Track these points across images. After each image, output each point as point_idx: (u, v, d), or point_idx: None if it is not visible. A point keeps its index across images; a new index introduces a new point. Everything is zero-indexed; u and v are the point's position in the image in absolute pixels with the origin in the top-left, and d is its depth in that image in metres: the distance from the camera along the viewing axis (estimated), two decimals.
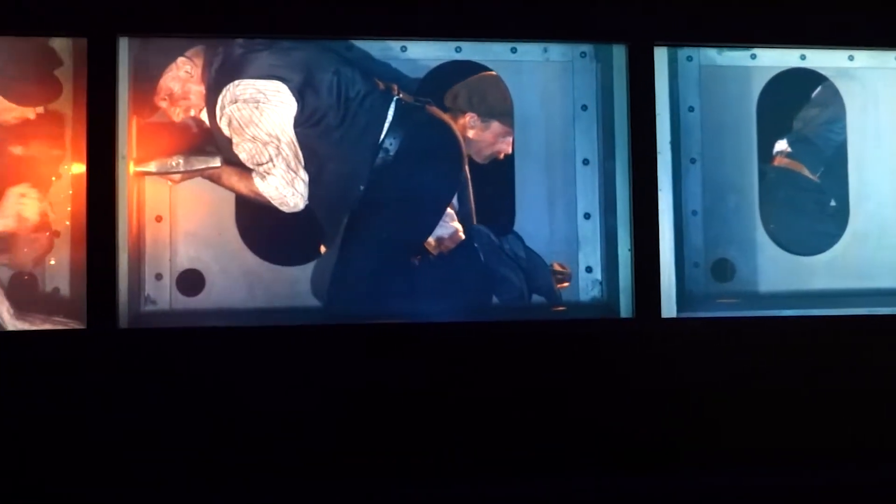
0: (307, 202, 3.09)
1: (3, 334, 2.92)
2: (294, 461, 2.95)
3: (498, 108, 3.23)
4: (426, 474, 2.99)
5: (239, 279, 3.08)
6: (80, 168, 2.98)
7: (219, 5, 3.02)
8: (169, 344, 2.96)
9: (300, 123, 3.06)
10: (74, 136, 2.99)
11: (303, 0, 3.04)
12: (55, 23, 2.97)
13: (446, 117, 3.17)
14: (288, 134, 3.06)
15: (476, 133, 3.23)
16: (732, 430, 3.06)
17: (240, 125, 3.04)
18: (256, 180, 3.06)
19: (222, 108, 3.05)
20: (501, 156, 3.25)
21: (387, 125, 3.09)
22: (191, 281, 3.07)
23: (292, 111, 3.05)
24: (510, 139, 3.23)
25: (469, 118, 3.22)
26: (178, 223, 3.09)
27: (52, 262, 3.01)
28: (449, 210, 3.18)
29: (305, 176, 3.08)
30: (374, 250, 3.10)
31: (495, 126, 3.24)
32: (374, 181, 3.09)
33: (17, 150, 3.01)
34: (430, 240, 3.18)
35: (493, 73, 3.24)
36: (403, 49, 3.19)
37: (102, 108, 2.94)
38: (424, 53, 3.19)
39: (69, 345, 2.93)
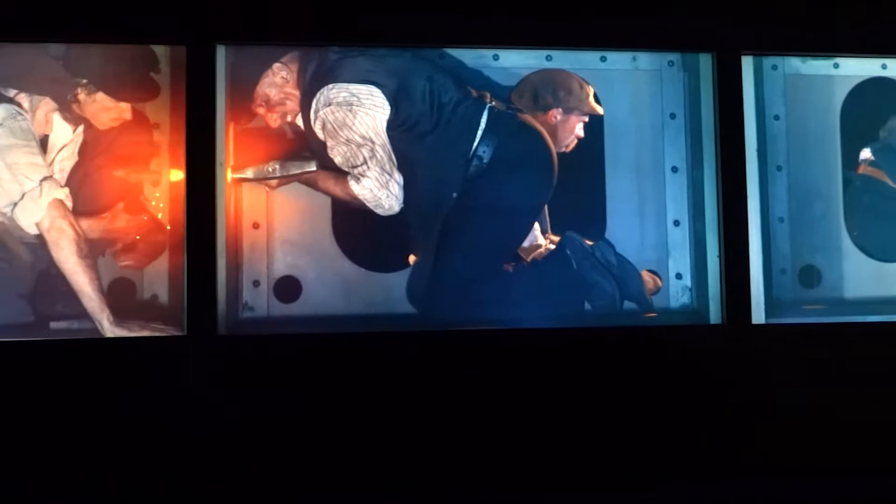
0: (402, 205, 3.09)
1: (104, 341, 2.92)
2: (392, 467, 2.96)
3: (565, 95, 3.24)
4: (525, 483, 3.00)
5: (335, 286, 3.09)
6: (178, 175, 2.99)
7: (315, 13, 3.04)
8: (267, 350, 2.96)
9: (394, 128, 3.07)
10: (172, 143, 3.00)
11: (397, 10, 3.07)
12: (154, 31, 2.98)
13: (538, 125, 3.18)
14: (381, 137, 3.07)
15: (554, 123, 3.24)
16: (823, 435, 3.09)
17: (333, 128, 3.05)
18: (351, 183, 3.07)
19: (316, 111, 3.06)
20: (574, 143, 3.26)
21: (480, 133, 3.10)
22: (288, 287, 3.07)
23: (385, 115, 3.06)
24: (581, 125, 3.25)
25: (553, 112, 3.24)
26: (275, 230, 3.09)
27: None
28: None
29: (400, 178, 3.08)
30: (468, 257, 3.10)
31: (559, 111, 3.24)
32: (468, 188, 3.10)
33: (114, 157, 3.02)
34: (524, 246, 3.20)
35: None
36: (496, 58, 3.22)
37: (201, 115, 2.95)
38: (516, 62, 3.21)
39: (169, 351, 2.94)
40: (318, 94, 3.05)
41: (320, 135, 3.07)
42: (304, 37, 3.04)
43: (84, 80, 2.96)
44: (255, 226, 3.08)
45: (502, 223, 3.14)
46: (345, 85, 3.05)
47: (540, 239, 3.21)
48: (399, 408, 2.98)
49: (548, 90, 3.21)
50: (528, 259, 3.18)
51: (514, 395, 3.01)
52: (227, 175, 2.99)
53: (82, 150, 3.01)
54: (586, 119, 3.24)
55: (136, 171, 3.02)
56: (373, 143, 3.06)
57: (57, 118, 2.98)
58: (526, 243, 3.20)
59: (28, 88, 2.90)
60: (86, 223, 2.95)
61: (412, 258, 3.14)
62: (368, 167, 3.06)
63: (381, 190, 3.07)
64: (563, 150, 3.23)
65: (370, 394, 2.97)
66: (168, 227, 3.02)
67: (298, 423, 2.93)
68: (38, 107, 2.93)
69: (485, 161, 3.11)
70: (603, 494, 3.01)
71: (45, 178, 2.86)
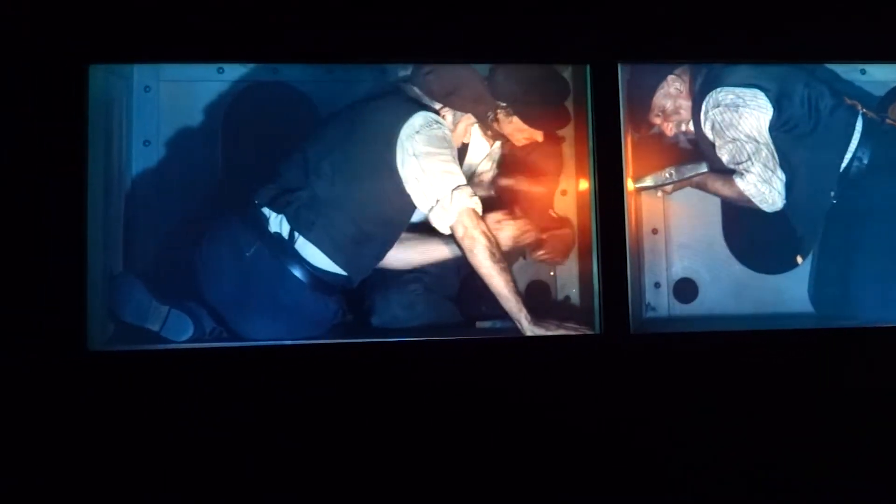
0: (784, 201, 3.25)
1: (525, 339, 3.07)
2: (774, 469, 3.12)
3: None
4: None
5: (728, 287, 3.28)
6: (584, 185, 3.18)
7: (709, 31, 3.20)
8: (673, 348, 3.11)
9: (776, 129, 3.24)
10: (577, 155, 3.20)
11: (778, 27, 3.23)
12: (559, 52, 3.13)
13: None
14: (765, 136, 3.24)
15: None
16: None
17: (721, 128, 3.24)
18: (737, 179, 3.24)
19: (706, 112, 3.25)
20: None
21: (855, 138, 3.26)
22: (686, 289, 3.28)
23: (768, 116, 3.23)
24: None
25: None
26: (672, 235, 3.30)
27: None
28: None
29: (782, 175, 3.24)
30: (851, 257, 3.26)
31: None
32: (845, 191, 3.25)
33: (527, 169, 3.25)
34: None
35: None
36: (862, 72, 3.42)
37: (607, 129, 3.07)
38: (883, 76, 3.41)
39: (585, 349, 3.11)
40: (707, 97, 3.25)
41: (709, 135, 3.26)
42: (698, 55, 3.19)
43: (504, 105, 3.16)
44: (654, 231, 3.30)
45: (881, 224, 3.28)
46: (732, 88, 3.23)
47: None
48: (792, 405, 3.11)
49: None
50: None
51: None
52: (629, 184, 3.18)
53: (499, 163, 3.26)
54: None
55: (547, 182, 3.23)
56: (757, 141, 3.23)
57: (476, 133, 3.21)
58: None
59: (454, 105, 3.09)
60: (501, 230, 3.14)
61: (799, 259, 3.33)
62: (752, 163, 3.23)
63: (764, 185, 3.23)
64: None
65: (765, 392, 3.11)
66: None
67: (699, 420, 3.10)
68: (459, 121, 3.13)
69: (861, 164, 3.26)
70: None
71: (456, 188, 2.97)
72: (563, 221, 3.26)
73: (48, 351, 2.74)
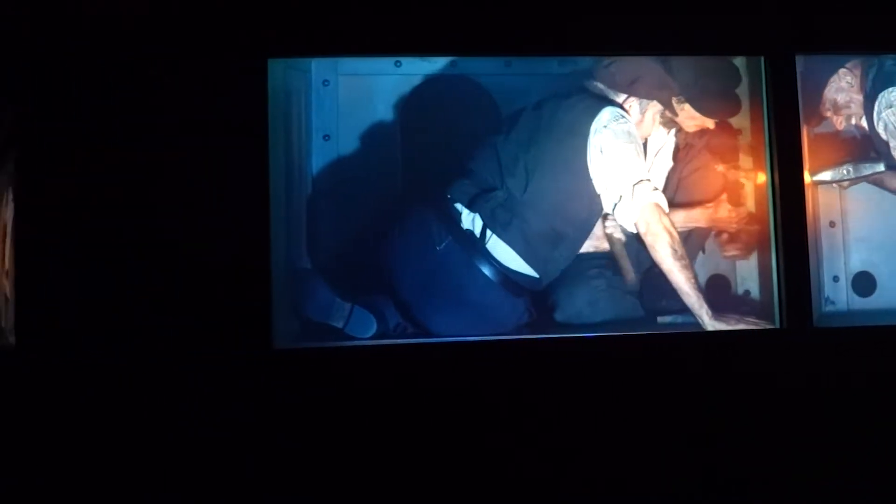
0: None
1: (706, 334, 3.01)
2: None
3: None
4: None
5: None
6: (761, 178, 3.15)
7: (884, 20, 3.19)
8: (858, 342, 3.03)
9: None
10: (754, 147, 3.16)
11: None
12: (735, 43, 3.09)
13: None
14: None
15: None
16: None
17: (895, 129, 3.20)
18: None
19: (878, 113, 3.20)
20: None
21: None
22: (864, 283, 3.25)
23: None
24: None
25: None
26: (850, 228, 3.28)
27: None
28: None
29: None
30: None
31: None
32: None
33: (703, 161, 3.22)
34: None
35: None
36: None
37: (786, 122, 3.04)
38: None
39: (768, 344, 3.06)
40: (879, 98, 3.19)
41: (883, 136, 3.21)
42: (878, 45, 3.16)
43: (677, 91, 3.11)
44: (832, 225, 3.28)
45: None
46: None
47: None
48: None
49: None
50: None
51: None
52: (806, 177, 3.14)
53: (675, 154, 3.22)
54: None
55: (723, 175, 3.20)
56: None
57: (657, 123, 3.17)
58: None
59: (639, 93, 3.07)
60: (682, 223, 3.12)
61: None
62: None
63: None
64: None
65: None
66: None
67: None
68: (646, 109, 3.10)
69: None
70: None
71: (638, 182, 2.96)
72: (751, 217, 3.21)
73: (235, 349, 2.70)
